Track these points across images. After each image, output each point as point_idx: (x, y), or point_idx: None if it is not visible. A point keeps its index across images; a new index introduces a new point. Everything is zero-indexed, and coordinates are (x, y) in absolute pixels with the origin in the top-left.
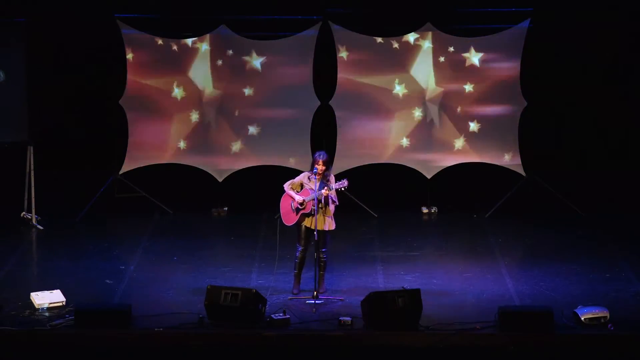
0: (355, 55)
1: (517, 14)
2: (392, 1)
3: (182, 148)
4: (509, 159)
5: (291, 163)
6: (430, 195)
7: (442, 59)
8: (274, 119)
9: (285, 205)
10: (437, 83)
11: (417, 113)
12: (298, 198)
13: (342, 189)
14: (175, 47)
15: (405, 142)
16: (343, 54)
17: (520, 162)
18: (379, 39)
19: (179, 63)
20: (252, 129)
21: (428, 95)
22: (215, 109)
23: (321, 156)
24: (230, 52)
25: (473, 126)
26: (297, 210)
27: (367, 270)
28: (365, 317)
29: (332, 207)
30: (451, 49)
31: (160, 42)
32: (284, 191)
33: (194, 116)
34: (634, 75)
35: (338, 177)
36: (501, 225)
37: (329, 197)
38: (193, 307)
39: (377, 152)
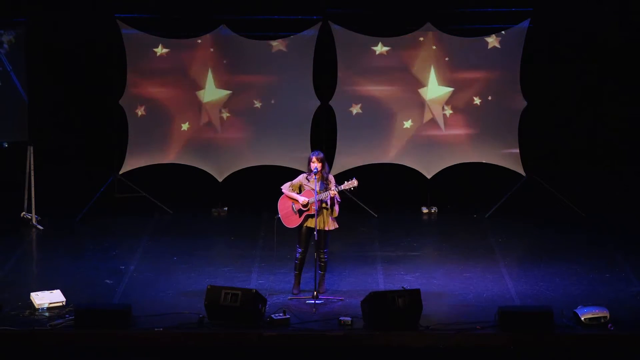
0: (356, 55)
1: (517, 14)
2: (392, 1)
3: (182, 148)
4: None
5: None
6: (430, 195)
7: (442, 59)
8: (274, 119)
9: (284, 207)
10: (438, 83)
11: (418, 113)
12: (301, 199)
13: (351, 189)
14: (175, 47)
15: (405, 142)
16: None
17: (519, 162)
18: (380, 39)
19: (180, 63)
20: (252, 129)
21: (429, 95)
22: (215, 108)
23: (316, 154)
24: (231, 52)
25: (473, 126)
26: (300, 212)
27: (367, 270)
28: (365, 317)
29: (337, 208)
30: (451, 49)
31: (160, 42)
32: (282, 193)
33: (194, 116)
34: (633, 74)
35: (338, 178)
36: (501, 225)
37: (335, 197)
38: (193, 307)
39: (377, 152)
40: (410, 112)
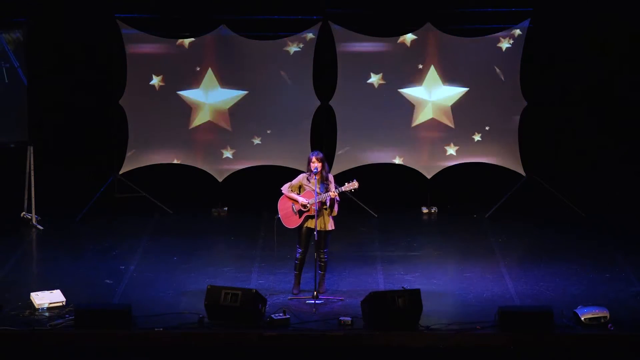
0: (356, 54)
1: (517, 14)
2: (392, 1)
3: (182, 148)
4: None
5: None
6: (430, 195)
7: (442, 59)
8: (274, 119)
9: (284, 208)
10: (438, 83)
11: (418, 112)
12: (302, 200)
13: (352, 190)
14: (176, 47)
15: (405, 141)
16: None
17: (519, 162)
18: (380, 39)
19: (180, 63)
20: (252, 129)
21: (429, 94)
22: (215, 108)
23: (315, 154)
24: (231, 52)
25: (473, 126)
26: (300, 212)
27: (367, 270)
28: (365, 317)
29: (336, 208)
30: (451, 49)
31: (161, 42)
32: (282, 193)
33: (194, 115)
34: (633, 75)
35: (338, 178)
36: (501, 225)
37: (334, 198)
38: (193, 307)
39: (377, 152)
40: (411, 111)
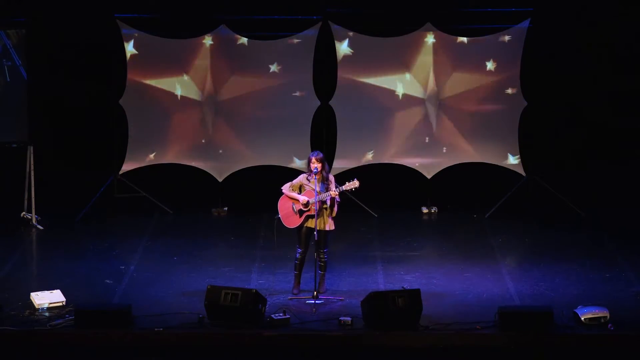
0: (356, 55)
1: (517, 14)
2: (392, 1)
3: (182, 148)
4: (513, 162)
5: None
6: (430, 195)
7: (442, 59)
8: (274, 119)
9: (285, 208)
10: (438, 83)
11: (418, 113)
12: (302, 199)
13: (353, 189)
14: (176, 47)
15: (405, 142)
16: (345, 50)
17: (520, 162)
18: (379, 39)
19: (180, 63)
20: (252, 129)
21: (428, 95)
22: (215, 108)
23: (315, 154)
24: (231, 52)
25: (473, 126)
26: (301, 212)
27: (367, 270)
28: (365, 317)
29: (336, 208)
30: (451, 49)
31: (160, 41)
32: (282, 193)
33: (194, 116)
34: (633, 74)
35: (338, 178)
36: (501, 225)
37: (335, 198)
38: (193, 307)
39: (377, 153)
40: (411, 112)
